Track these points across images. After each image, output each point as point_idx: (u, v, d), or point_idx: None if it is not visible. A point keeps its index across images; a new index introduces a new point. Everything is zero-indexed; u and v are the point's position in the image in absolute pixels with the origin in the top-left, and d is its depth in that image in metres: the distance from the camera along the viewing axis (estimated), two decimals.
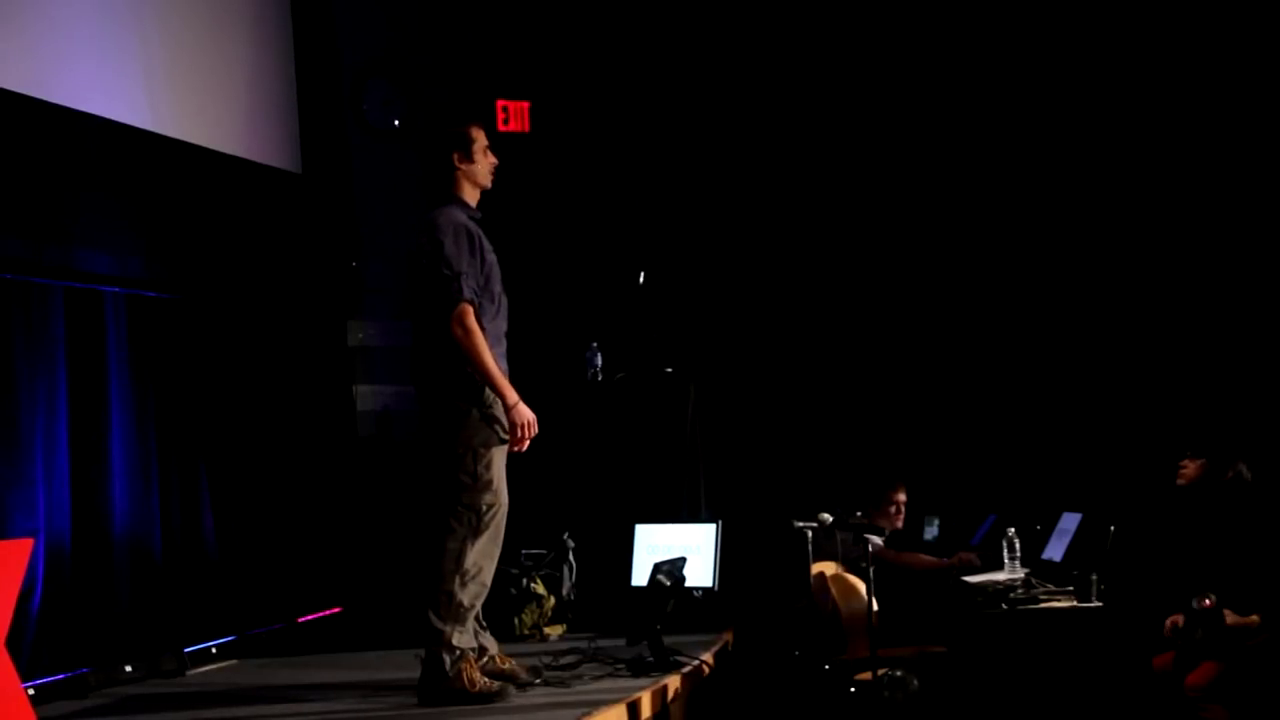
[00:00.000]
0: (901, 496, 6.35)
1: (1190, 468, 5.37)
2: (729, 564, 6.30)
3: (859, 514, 6.13)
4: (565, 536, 6.51)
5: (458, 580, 4.82)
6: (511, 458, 4.98)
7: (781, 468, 7.45)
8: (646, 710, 4.89)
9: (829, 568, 5.82)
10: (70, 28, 5.89)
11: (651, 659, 5.29)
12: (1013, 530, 5.97)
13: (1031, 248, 7.52)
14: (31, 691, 5.02)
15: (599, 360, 6.93)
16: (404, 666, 5.25)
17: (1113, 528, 5.57)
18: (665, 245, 7.61)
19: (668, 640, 5.39)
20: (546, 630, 6.33)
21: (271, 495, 6.87)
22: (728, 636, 6.14)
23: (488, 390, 4.85)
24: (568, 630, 6.35)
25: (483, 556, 4.89)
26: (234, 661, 6.35)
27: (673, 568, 5.47)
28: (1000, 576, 5.83)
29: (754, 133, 7.88)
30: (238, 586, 6.56)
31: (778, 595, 6.34)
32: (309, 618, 7.10)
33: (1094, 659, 5.26)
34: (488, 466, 4.87)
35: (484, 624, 5.06)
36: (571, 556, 6.49)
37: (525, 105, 7.90)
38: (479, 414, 4.86)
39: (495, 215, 5.17)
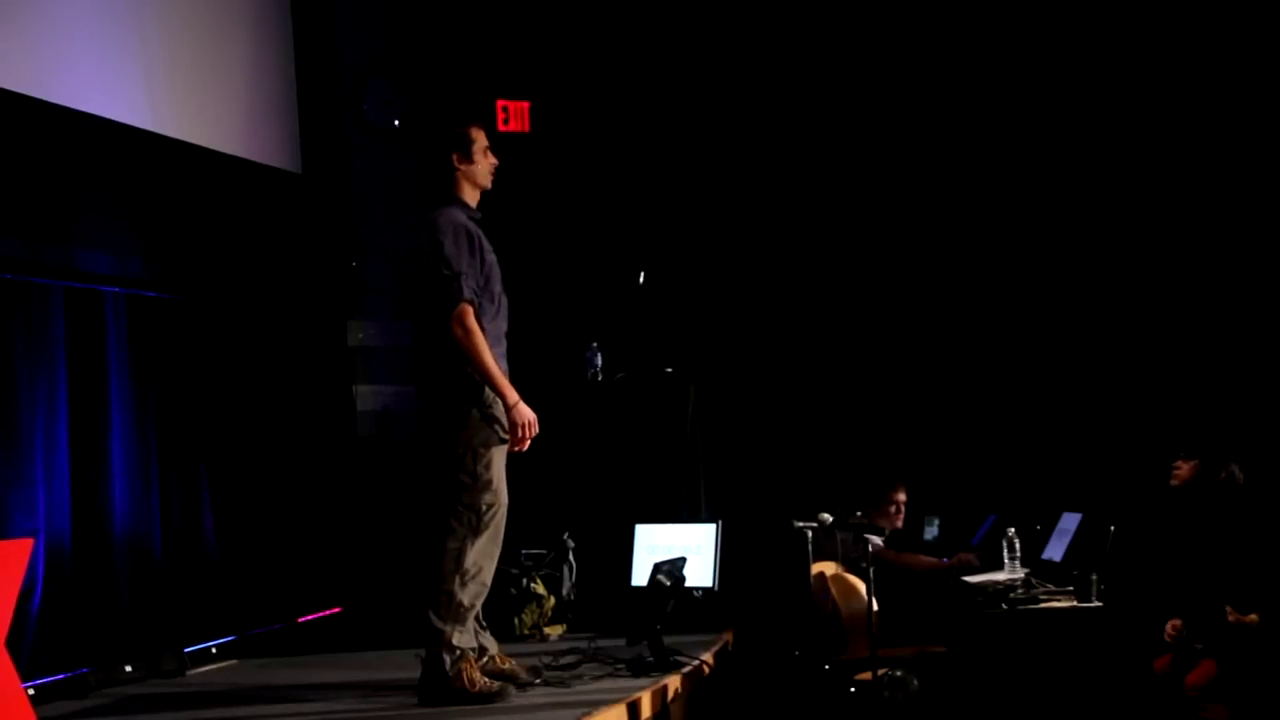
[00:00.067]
0: (901, 496, 6.36)
1: (1183, 469, 5.40)
2: (729, 564, 6.30)
3: (859, 514, 6.13)
4: (565, 536, 6.51)
5: (458, 580, 4.82)
6: (511, 458, 4.98)
7: (781, 468, 7.45)
8: (646, 710, 4.89)
9: (829, 568, 5.82)
10: (70, 28, 5.89)
11: (651, 659, 5.29)
12: (1013, 530, 5.98)
13: (1031, 249, 7.53)
14: (31, 691, 5.02)
15: (599, 360, 6.93)
16: (404, 666, 5.25)
17: (1113, 528, 5.58)
18: (665, 245, 7.61)
19: (668, 640, 5.39)
20: (546, 630, 6.33)
21: (271, 495, 6.87)
22: (728, 636, 6.14)
23: (488, 390, 4.85)
24: (568, 630, 6.35)
25: (483, 556, 4.89)
26: (234, 661, 6.35)
27: (673, 568, 5.47)
28: (1000, 576, 5.84)
29: (754, 133, 7.89)
30: (238, 586, 6.56)
31: (778, 595, 6.34)
32: (309, 618, 7.10)
33: (1094, 659, 5.26)
34: (487, 466, 4.87)
35: (484, 624, 5.06)
36: (571, 556, 6.49)
37: (525, 105, 7.90)
38: (479, 414, 4.86)
39: (495, 215, 5.17)
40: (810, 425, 7.61)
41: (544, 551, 6.50)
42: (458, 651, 4.83)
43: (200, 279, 6.61)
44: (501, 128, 7.76)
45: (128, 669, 5.86)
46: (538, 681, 5.10)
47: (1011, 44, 7.57)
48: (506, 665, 5.07)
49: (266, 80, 7.30)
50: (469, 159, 5.04)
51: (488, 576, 4.94)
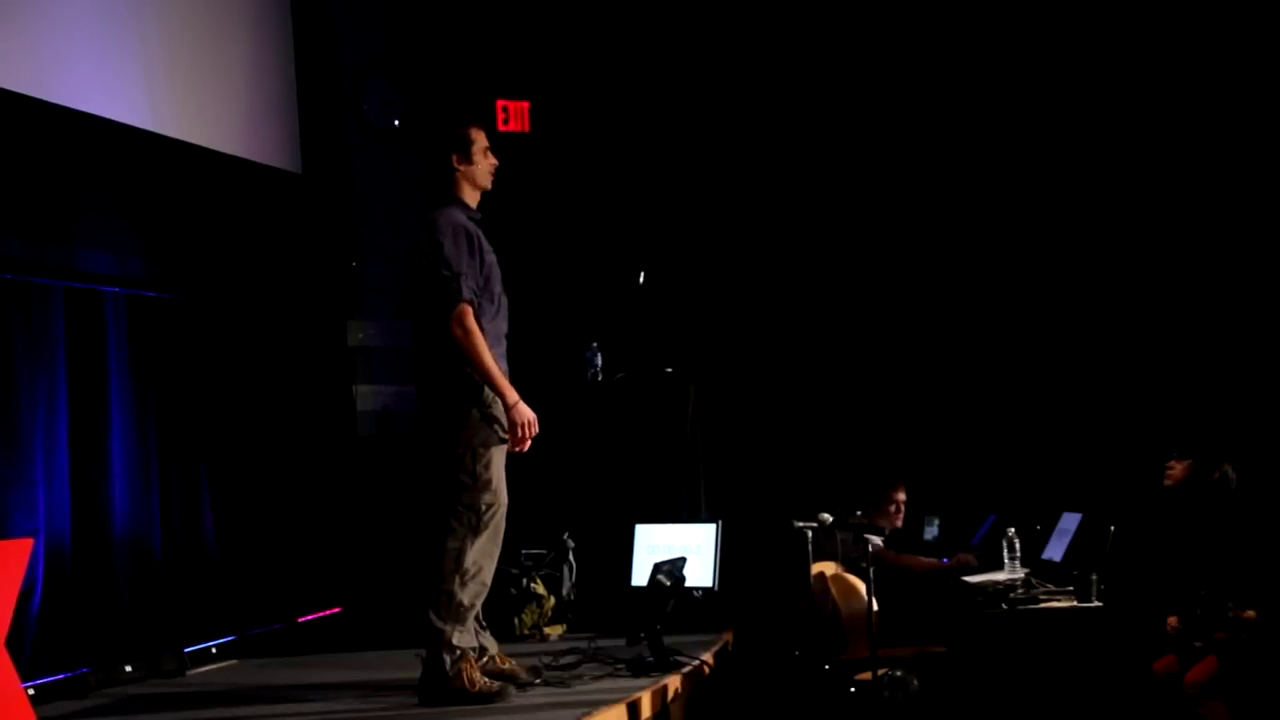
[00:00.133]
0: (901, 496, 6.36)
1: (1177, 468, 5.43)
2: (729, 564, 6.30)
3: (859, 513, 6.13)
4: (565, 536, 6.51)
5: (458, 580, 4.82)
6: (511, 458, 4.98)
7: (781, 468, 7.45)
8: (646, 710, 4.89)
9: (829, 568, 5.82)
10: (70, 28, 5.89)
11: (651, 659, 5.29)
12: (1013, 530, 5.98)
13: (1030, 250, 7.53)
14: (31, 691, 5.02)
15: (599, 360, 6.93)
16: (404, 666, 5.25)
17: (1113, 528, 5.58)
18: (665, 245, 7.61)
19: (668, 640, 5.39)
20: (546, 630, 6.33)
21: (271, 495, 6.87)
22: (728, 636, 6.14)
23: (487, 390, 4.85)
24: (568, 630, 6.35)
25: (483, 556, 4.89)
26: (234, 661, 6.35)
27: (673, 568, 5.47)
28: (1000, 576, 5.84)
29: (754, 133, 7.89)
30: (238, 586, 6.56)
31: (778, 595, 6.34)
32: (309, 618, 7.10)
33: (1094, 659, 5.26)
34: (487, 466, 4.87)
35: (484, 624, 5.06)
36: (571, 556, 6.49)
37: (525, 105, 7.90)
38: (479, 414, 4.86)
39: (495, 215, 5.17)
40: (810, 425, 7.61)
41: (544, 551, 6.50)
42: (458, 651, 4.83)
43: (200, 279, 6.61)
44: (501, 128, 7.76)
45: (128, 669, 5.86)
46: (538, 681, 5.10)
47: (1010, 44, 7.57)
48: (506, 665, 5.07)
49: (266, 80, 7.30)
50: (468, 159, 5.03)
51: (488, 576, 4.94)
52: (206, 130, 6.71)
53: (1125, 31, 7.38)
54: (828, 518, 5.36)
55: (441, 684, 4.83)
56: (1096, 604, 5.40)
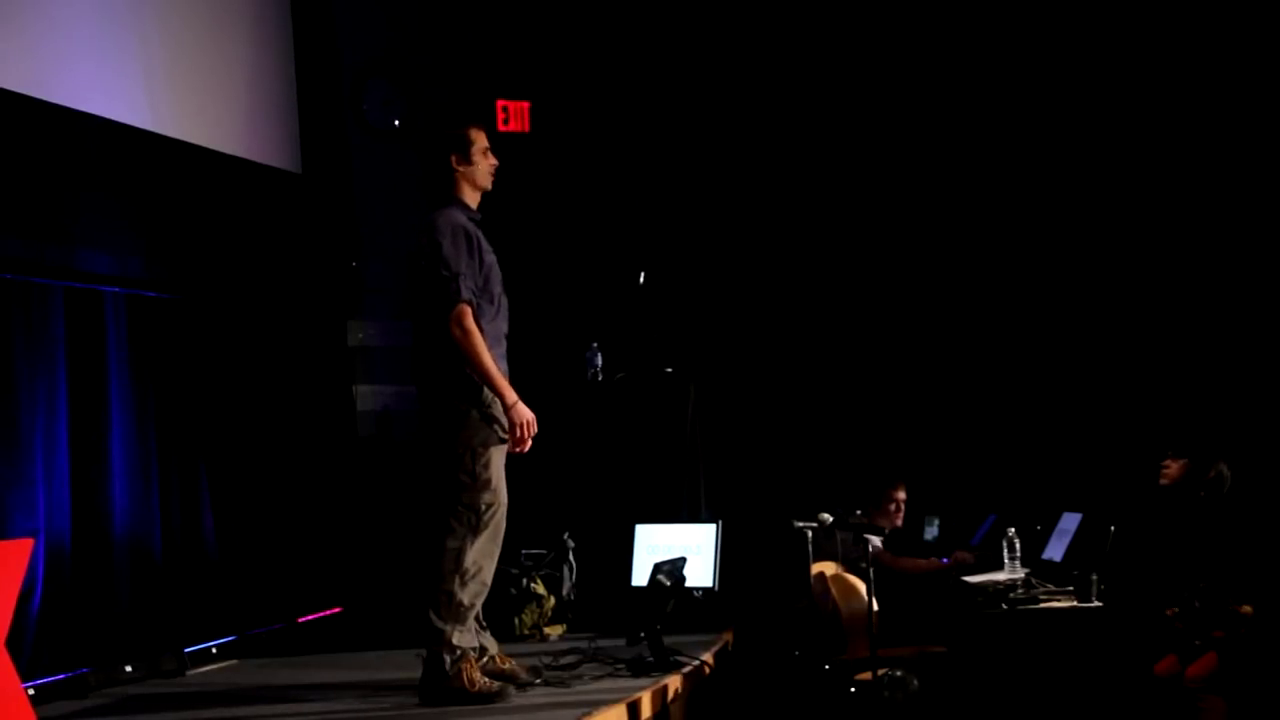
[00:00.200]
0: (901, 495, 6.36)
1: (1173, 468, 5.46)
2: (729, 564, 6.30)
3: (859, 513, 6.14)
4: (565, 536, 6.51)
5: (458, 580, 4.82)
6: (511, 458, 4.98)
7: (781, 468, 7.45)
8: (646, 710, 4.89)
9: (829, 568, 5.82)
10: (70, 28, 5.89)
11: (651, 659, 5.29)
12: (1013, 530, 5.98)
13: (1030, 250, 7.53)
14: (31, 691, 5.02)
15: (599, 360, 6.93)
16: (404, 666, 5.26)
17: (1113, 528, 5.59)
18: (665, 245, 7.61)
19: (668, 640, 5.39)
20: (546, 630, 6.33)
21: (271, 495, 6.87)
22: (728, 636, 6.14)
23: (487, 390, 4.85)
24: (568, 630, 6.34)
25: (482, 556, 4.89)
26: (234, 661, 6.35)
27: (673, 568, 5.47)
28: (1000, 576, 5.84)
29: (754, 133, 7.89)
30: (238, 586, 6.56)
31: (778, 595, 6.34)
32: (309, 618, 7.10)
33: (1094, 659, 5.26)
34: (486, 466, 4.87)
35: (484, 624, 5.06)
36: (571, 556, 6.49)
37: (525, 105, 7.90)
38: (478, 414, 4.86)
39: (495, 215, 5.17)
40: (810, 425, 7.62)
41: (544, 551, 6.50)
42: (458, 651, 4.83)
43: (200, 279, 6.61)
44: (501, 128, 7.76)
45: (128, 669, 5.86)
46: (538, 681, 5.10)
47: (1009, 45, 7.57)
48: (506, 665, 5.07)
49: (266, 80, 7.30)
50: (468, 160, 5.03)
51: (488, 576, 4.94)
52: (206, 130, 6.71)
53: (1125, 32, 7.38)
54: (828, 518, 5.35)
55: (442, 684, 4.83)
56: (1096, 604, 5.40)
